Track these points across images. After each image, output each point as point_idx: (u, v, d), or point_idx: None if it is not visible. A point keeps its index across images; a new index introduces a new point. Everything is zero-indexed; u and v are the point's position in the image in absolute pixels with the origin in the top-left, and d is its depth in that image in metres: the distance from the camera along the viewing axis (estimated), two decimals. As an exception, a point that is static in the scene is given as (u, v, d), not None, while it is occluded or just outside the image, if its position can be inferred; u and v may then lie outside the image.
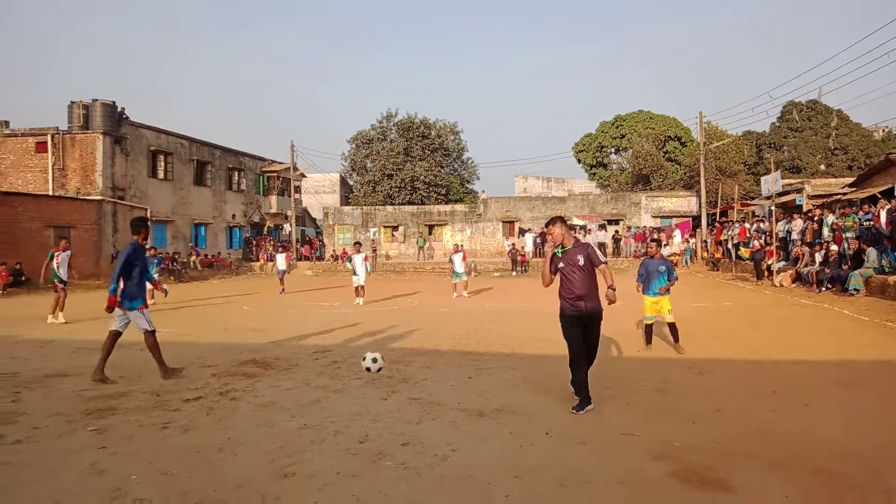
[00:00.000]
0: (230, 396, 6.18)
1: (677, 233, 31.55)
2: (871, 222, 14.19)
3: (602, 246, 33.04)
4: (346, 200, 47.27)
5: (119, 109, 29.37)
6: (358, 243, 17.80)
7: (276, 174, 41.23)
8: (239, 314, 14.06)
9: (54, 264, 12.58)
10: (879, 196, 16.35)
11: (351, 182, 49.03)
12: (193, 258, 31.11)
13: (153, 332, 6.92)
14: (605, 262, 5.95)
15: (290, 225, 39.12)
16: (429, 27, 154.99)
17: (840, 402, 5.54)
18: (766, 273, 18.47)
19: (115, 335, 6.87)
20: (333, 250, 37.51)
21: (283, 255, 22.00)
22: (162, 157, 32.40)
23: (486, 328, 10.83)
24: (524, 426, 5.01)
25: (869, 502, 3.43)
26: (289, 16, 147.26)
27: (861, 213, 15.01)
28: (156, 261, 16.44)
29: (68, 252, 12.82)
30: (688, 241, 30.47)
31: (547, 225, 5.88)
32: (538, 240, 33.99)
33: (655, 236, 19.79)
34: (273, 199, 41.51)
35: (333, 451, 4.50)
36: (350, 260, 16.37)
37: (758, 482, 3.78)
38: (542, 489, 3.73)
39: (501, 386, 6.44)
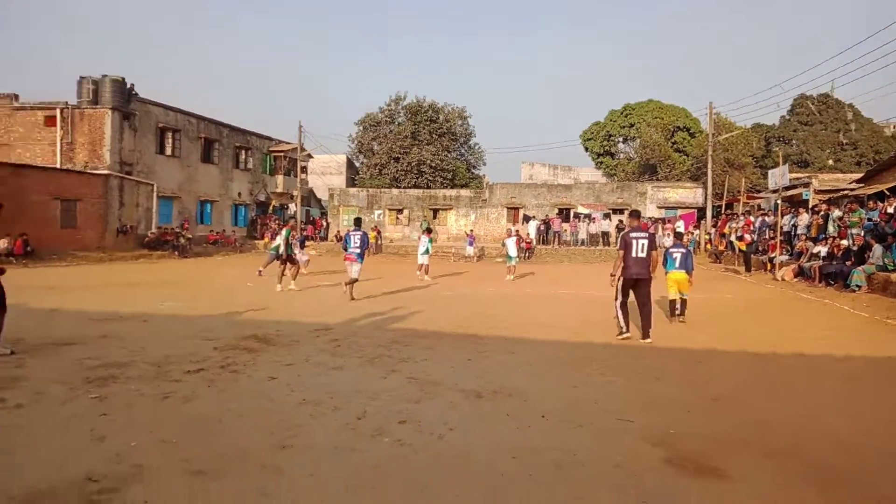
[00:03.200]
0: (231, 370, 6.23)
1: (681, 223, 31.40)
2: (878, 219, 14.10)
3: (605, 235, 32.95)
4: (351, 182, 47.13)
5: (129, 86, 29.26)
6: (510, 229, 21.66)
7: (283, 154, 41.13)
8: (244, 291, 14.11)
9: (292, 240, 14.43)
10: (887, 193, 16.24)
11: (357, 164, 48.85)
12: (185, 235, 30.18)
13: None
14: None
15: (296, 205, 39.11)
16: (437, 13, 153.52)
17: (837, 396, 5.56)
18: (768, 266, 18.44)
19: None
20: (338, 231, 37.51)
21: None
22: (170, 134, 32.35)
23: (489, 312, 10.86)
24: (521, 408, 5.04)
25: (861, 494, 3.45)
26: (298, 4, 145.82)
27: (867, 209, 14.91)
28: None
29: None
30: (692, 233, 30.36)
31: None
32: (542, 227, 33.90)
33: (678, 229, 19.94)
34: (279, 178, 41.44)
35: (332, 425, 4.54)
36: (503, 244, 19.63)
37: (752, 470, 3.80)
38: (538, 470, 3.77)
39: (500, 368, 6.48)
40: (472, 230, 33.45)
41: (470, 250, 27.86)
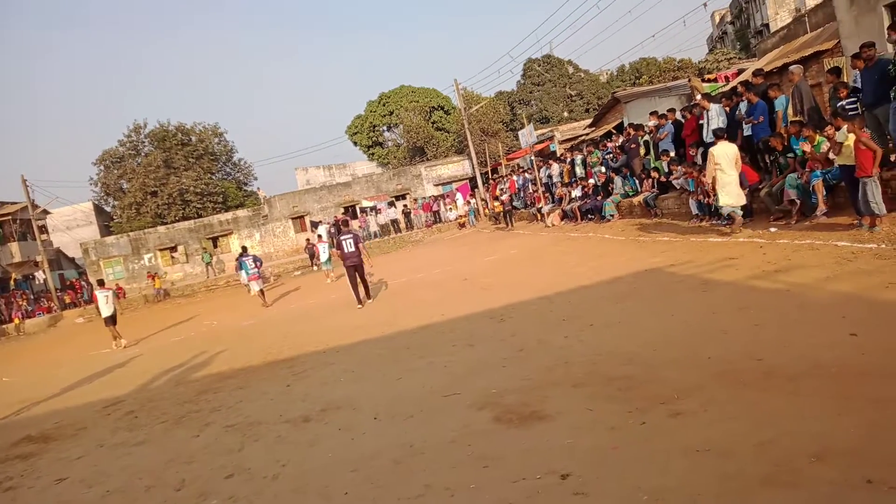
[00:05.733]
0: (4, 487, 5.20)
1: (459, 196, 33.46)
2: (612, 155, 16.41)
3: (395, 223, 33.78)
4: (107, 230, 41.73)
5: None
6: (319, 235, 21.16)
7: (10, 217, 34.91)
8: (1, 388, 11.78)
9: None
10: (614, 131, 18.95)
11: (108, 209, 43.39)
12: None
13: None
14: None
15: (44, 271, 33.59)
16: (163, 23, 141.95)
17: (616, 315, 6.35)
18: (538, 216, 20.51)
19: None
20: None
21: (106, 292, 14.34)
22: None
23: (296, 330, 10.47)
24: (352, 418, 4.94)
25: (655, 395, 3.98)
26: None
27: (601, 148, 17.25)
28: None
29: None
30: (469, 203, 32.50)
31: (345, 225, 14.00)
32: (332, 229, 33.59)
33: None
34: (14, 246, 35.15)
35: (147, 510, 4.00)
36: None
37: (566, 403, 4.18)
38: (379, 474, 3.72)
39: (322, 385, 6.28)
40: (320, 235, 31.14)
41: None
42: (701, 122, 11.79)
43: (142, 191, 38.54)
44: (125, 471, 4.88)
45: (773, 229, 8.76)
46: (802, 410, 3.32)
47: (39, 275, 35.36)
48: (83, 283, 35.48)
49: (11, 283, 34.37)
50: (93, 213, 43.17)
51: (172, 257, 35.39)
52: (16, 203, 35.10)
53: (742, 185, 9.64)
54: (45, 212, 36.46)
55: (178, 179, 38.90)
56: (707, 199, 10.73)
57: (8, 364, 15.45)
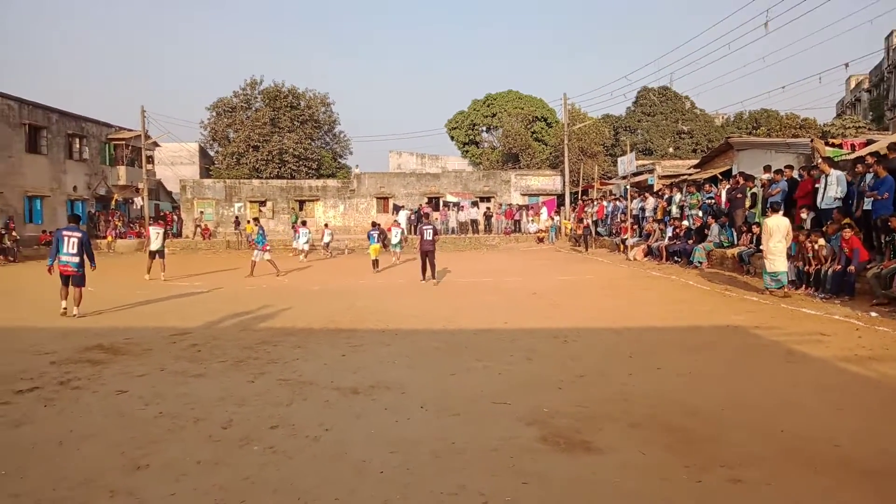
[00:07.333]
0: (72, 386, 5.55)
1: (544, 210, 33.07)
2: (713, 200, 15.69)
3: (475, 223, 33.78)
4: (206, 173, 44.06)
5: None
6: (395, 220, 22.51)
7: (124, 142, 37.47)
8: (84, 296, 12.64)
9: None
10: (720, 177, 18.12)
11: (212, 153, 45.81)
12: (11, 236, 25.19)
13: None
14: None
15: (143, 198, 35.87)
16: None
17: (688, 365, 6.05)
18: (621, 247, 19.94)
19: None
20: (196, 223, 35.04)
21: (158, 229, 16.35)
22: (-16, 121, 28.20)
23: (359, 305, 10.65)
24: (399, 401, 4.95)
25: (716, 455, 3.74)
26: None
27: (704, 192, 16.54)
28: None
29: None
30: (552, 219, 32.06)
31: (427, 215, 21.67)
32: (412, 217, 33.97)
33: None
34: (122, 169, 37.74)
35: (193, 438, 4.16)
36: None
37: (619, 441, 4.00)
38: (417, 462, 3.70)
39: (376, 362, 6.34)
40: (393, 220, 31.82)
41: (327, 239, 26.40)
42: (817, 185, 11.10)
43: (245, 143, 40.43)
44: (180, 398, 5.10)
45: (873, 314, 8.12)
46: (881, 512, 3.02)
47: (138, 201, 37.77)
48: (175, 217, 37.62)
49: (113, 203, 36.95)
50: (197, 154, 45.76)
51: (261, 211, 36.89)
52: (132, 130, 37.64)
53: (848, 262, 8.99)
54: (155, 144, 38.89)
55: (280, 139, 40.52)
56: (807, 266, 10.08)
57: (95, 276, 16.60)
